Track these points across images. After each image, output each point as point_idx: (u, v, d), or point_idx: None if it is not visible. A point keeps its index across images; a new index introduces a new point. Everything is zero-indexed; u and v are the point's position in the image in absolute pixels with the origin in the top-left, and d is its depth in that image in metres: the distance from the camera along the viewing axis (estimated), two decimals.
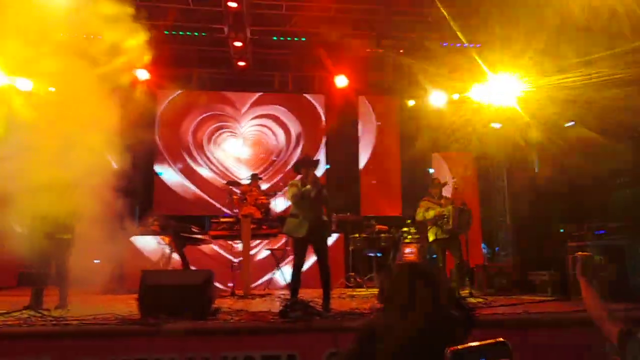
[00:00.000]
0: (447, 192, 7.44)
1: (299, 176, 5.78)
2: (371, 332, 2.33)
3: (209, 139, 12.01)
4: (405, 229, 9.42)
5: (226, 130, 12.10)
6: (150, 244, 8.34)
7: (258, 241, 8.85)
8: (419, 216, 7.16)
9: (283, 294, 7.27)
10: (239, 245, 8.14)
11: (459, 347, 1.68)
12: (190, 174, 11.77)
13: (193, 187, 11.70)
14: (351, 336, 4.25)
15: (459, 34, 9.47)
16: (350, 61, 10.89)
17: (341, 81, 11.05)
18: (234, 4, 9.00)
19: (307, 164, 5.75)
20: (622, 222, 6.79)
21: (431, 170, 12.38)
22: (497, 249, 12.64)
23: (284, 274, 8.27)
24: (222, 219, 8.24)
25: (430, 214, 6.96)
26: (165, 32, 9.64)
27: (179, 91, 11.77)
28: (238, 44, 10.10)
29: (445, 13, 8.70)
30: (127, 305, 5.96)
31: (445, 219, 6.80)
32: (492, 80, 11.63)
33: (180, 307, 4.68)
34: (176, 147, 11.80)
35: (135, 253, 8.35)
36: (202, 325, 4.54)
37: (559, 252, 7.34)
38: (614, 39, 6.74)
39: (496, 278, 7.48)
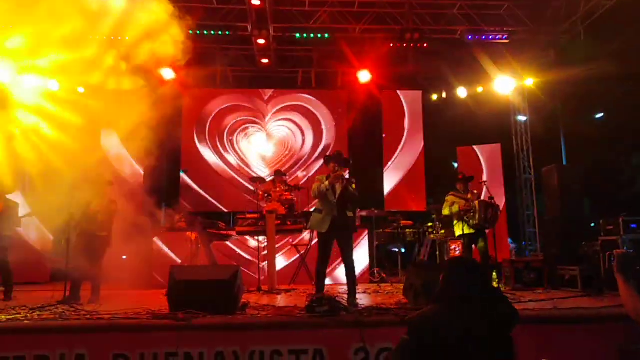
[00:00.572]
0: (474, 186, 7.31)
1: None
2: (426, 325, 2.36)
3: (234, 137, 12.13)
4: (430, 224, 9.34)
5: (250, 127, 12.20)
6: (177, 241, 8.47)
7: (283, 236, 8.90)
8: (445, 211, 7.10)
9: (308, 289, 7.30)
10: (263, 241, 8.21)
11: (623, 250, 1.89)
12: (215, 171, 11.91)
13: (218, 184, 11.84)
14: (379, 331, 4.31)
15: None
16: (373, 56, 10.85)
17: (364, 76, 11.01)
18: (257, 2, 9.06)
19: (336, 159, 5.76)
20: None
21: (455, 165, 12.25)
22: (523, 243, 12.45)
23: (308, 269, 8.30)
24: (247, 215, 8.32)
25: (456, 208, 6.90)
26: (190, 32, 9.74)
27: (204, 90, 11.92)
28: (261, 41, 10.15)
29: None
30: (157, 300, 6.09)
31: (472, 214, 6.72)
32: (516, 71, 11.48)
33: (208, 302, 4.74)
34: (202, 145, 11.95)
35: (163, 250, 8.50)
36: (230, 320, 4.59)
37: (591, 247, 7.18)
38: None
39: (524, 273, 7.34)
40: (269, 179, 9.88)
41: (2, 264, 6.88)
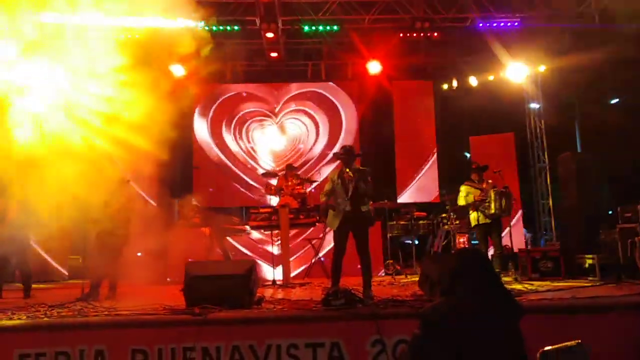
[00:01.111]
0: (489, 176, 7.22)
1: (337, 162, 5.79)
2: (438, 319, 2.34)
3: (245, 131, 12.14)
4: (444, 215, 9.27)
5: (260, 122, 12.21)
6: (192, 236, 8.52)
7: (297, 230, 8.91)
8: (460, 201, 7.05)
9: (323, 283, 7.31)
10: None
11: (547, 349, 1.88)
12: (226, 166, 11.95)
13: (231, 179, 11.88)
14: (395, 323, 4.29)
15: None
16: (383, 47, 10.76)
17: (374, 67, 10.93)
18: None
19: (345, 155, 5.74)
20: None
21: (467, 155, 12.15)
22: (536, 231, 12.34)
23: (322, 263, 8.31)
24: (260, 210, 8.34)
25: (471, 198, 6.84)
26: (199, 27, 9.73)
27: (214, 85, 11.93)
28: (270, 35, 10.11)
29: None
30: (173, 296, 6.13)
31: (487, 203, 6.66)
32: (529, 58, 11.29)
33: (224, 297, 4.76)
34: (213, 140, 11.99)
35: (178, 245, 8.55)
36: (246, 314, 4.61)
37: (609, 235, 7.07)
38: None
39: (541, 262, 7.26)
40: (280, 173, 9.87)
41: (21, 262, 6.98)
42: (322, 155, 12.09)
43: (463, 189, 7.03)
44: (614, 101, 19.30)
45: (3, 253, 6.67)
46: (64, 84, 6.50)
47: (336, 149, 10.51)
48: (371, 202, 8.59)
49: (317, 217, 8.32)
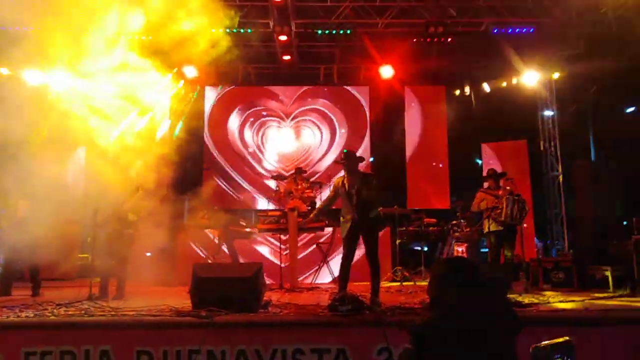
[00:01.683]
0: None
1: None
2: (428, 334, 2.31)
3: (256, 134, 12.15)
4: (454, 221, 9.17)
5: (271, 125, 12.21)
6: (200, 238, 8.52)
7: (305, 234, 8.87)
8: (475, 207, 6.96)
9: (330, 288, 7.26)
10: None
11: (540, 344, 1.92)
12: (237, 168, 11.96)
13: (240, 181, 11.89)
14: (402, 331, 4.21)
15: None
16: (396, 51, 10.70)
17: (387, 72, 10.88)
18: None
19: (346, 160, 5.67)
20: None
21: (479, 161, 12.03)
22: (548, 241, 12.16)
23: (330, 267, 8.25)
24: (269, 213, 8.31)
25: (484, 204, 6.75)
26: (212, 30, 9.76)
27: (226, 87, 11.97)
28: (283, 38, 10.10)
29: None
30: (179, 298, 6.12)
31: (499, 210, 6.56)
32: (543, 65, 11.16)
33: (231, 300, 4.73)
34: (224, 142, 12.01)
35: (186, 246, 8.56)
36: (253, 318, 4.58)
37: (623, 246, 6.92)
38: None
39: (553, 272, 7.13)
40: (289, 175, 9.85)
41: (30, 260, 7.01)
42: (331, 159, 12.04)
43: (479, 195, 6.94)
44: (629, 109, 19.05)
45: (12, 251, 6.72)
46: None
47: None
48: (381, 208, 8.55)
49: (326, 221, 8.27)
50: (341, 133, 12.16)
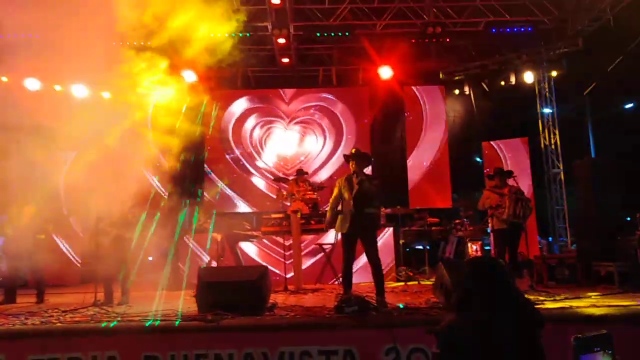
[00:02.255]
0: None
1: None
2: (457, 337, 2.27)
3: (255, 137, 12.16)
4: (457, 220, 9.17)
5: (271, 128, 12.22)
6: (203, 241, 8.51)
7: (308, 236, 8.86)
8: (480, 206, 6.96)
9: (335, 289, 7.25)
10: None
11: (581, 335, 1.98)
12: (238, 171, 11.96)
13: (243, 184, 11.89)
14: (409, 331, 4.21)
15: None
16: (395, 52, 10.71)
17: (386, 72, 10.88)
18: (277, 1, 9.02)
19: (355, 158, 5.66)
20: None
21: (479, 160, 12.04)
22: (550, 239, 12.17)
23: (334, 268, 8.24)
24: (271, 215, 8.31)
25: (488, 203, 6.75)
26: (211, 35, 9.78)
27: (226, 91, 11.98)
28: (282, 40, 10.11)
29: None
30: (185, 302, 6.11)
31: (502, 209, 6.55)
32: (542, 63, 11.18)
33: (237, 303, 4.73)
34: (225, 145, 12.02)
35: (190, 250, 8.54)
36: (259, 321, 4.58)
37: (627, 242, 6.93)
38: None
39: (557, 269, 7.13)
40: (291, 178, 9.85)
41: (34, 267, 7.00)
42: (332, 160, 12.05)
43: (485, 193, 6.93)
44: (628, 105, 19.10)
45: (16, 258, 6.72)
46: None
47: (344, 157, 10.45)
48: (383, 208, 8.54)
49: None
50: (341, 134, 12.16)
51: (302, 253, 8.21)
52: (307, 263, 8.63)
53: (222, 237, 7.83)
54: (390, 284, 7.80)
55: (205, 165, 11.90)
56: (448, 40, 10.09)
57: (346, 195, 5.51)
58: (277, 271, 8.23)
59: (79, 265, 9.79)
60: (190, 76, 10.29)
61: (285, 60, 11.12)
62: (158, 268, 8.34)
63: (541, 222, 11.59)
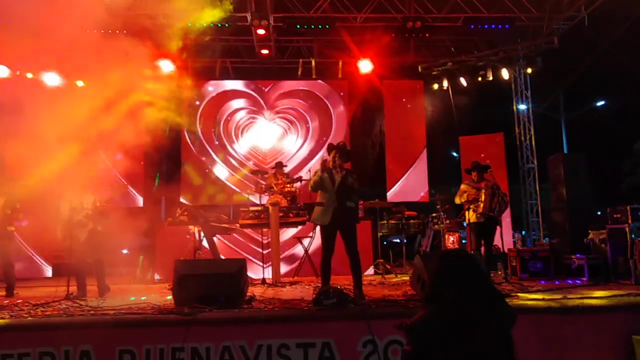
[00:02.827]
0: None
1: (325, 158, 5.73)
2: (427, 332, 2.25)
3: (234, 129, 12.03)
4: (434, 214, 9.28)
5: (249, 120, 12.11)
6: (180, 234, 8.41)
7: (285, 229, 8.84)
8: (457, 199, 7.05)
9: (312, 282, 7.26)
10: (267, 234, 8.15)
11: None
12: (216, 163, 11.83)
13: (219, 176, 11.77)
14: (387, 323, 4.25)
15: None
16: (374, 46, 10.72)
17: (365, 66, 10.88)
18: None
19: (337, 149, 5.65)
20: None
21: (455, 155, 12.20)
22: (523, 232, 12.44)
23: (312, 262, 8.25)
24: (250, 208, 8.25)
25: (465, 197, 6.84)
26: (189, 25, 9.61)
27: (203, 82, 11.81)
28: (261, 31, 10.00)
29: None
30: (161, 295, 6.04)
31: (479, 202, 6.65)
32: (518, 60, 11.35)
33: (214, 296, 4.68)
34: (202, 137, 11.86)
35: (166, 243, 8.43)
36: (237, 314, 4.54)
37: (597, 236, 7.12)
38: None
39: (530, 262, 7.29)
40: (270, 171, 9.80)
41: (4, 259, 6.80)
42: (311, 153, 12.03)
43: (462, 187, 7.03)
44: (600, 103, 19.64)
45: None
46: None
47: (325, 147, 10.38)
48: (361, 201, 8.57)
49: (308, 216, 8.26)
50: (320, 128, 12.13)
51: (280, 246, 8.18)
52: (285, 256, 8.62)
53: (198, 230, 7.75)
54: (367, 277, 7.85)
55: (181, 157, 11.72)
56: (427, 35, 10.13)
57: (329, 186, 5.50)
58: (255, 264, 8.19)
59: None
60: (167, 66, 10.12)
61: (265, 51, 10.99)
62: (133, 261, 8.23)
63: (515, 216, 11.83)
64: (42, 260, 9.70)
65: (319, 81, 12.15)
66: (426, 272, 5.11)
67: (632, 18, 10.20)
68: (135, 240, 7.96)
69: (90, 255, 6.14)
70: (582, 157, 8.21)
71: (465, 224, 7.17)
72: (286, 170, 10.50)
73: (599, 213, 7.85)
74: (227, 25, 10.21)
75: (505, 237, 7.36)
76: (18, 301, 5.66)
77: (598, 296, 5.17)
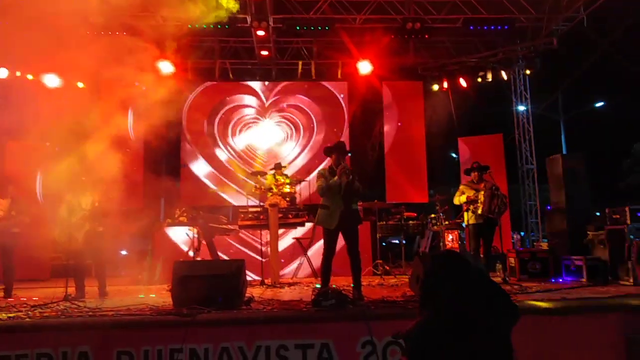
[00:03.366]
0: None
1: (326, 161, 5.71)
2: (426, 341, 2.20)
3: (233, 130, 12.03)
4: (433, 215, 9.27)
5: (249, 121, 12.11)
6: (179, 235, 8.40)
7: (284, 230, 8.84)
8: (455, 200, 7.04)
9: (312, 283, 7.25)
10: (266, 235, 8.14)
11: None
12: (216, 165, 11.83)
13: (219, 178, 11.76)
14: (386, 324, 4.24)
15: None
16: (374, 47, 10.72)
17: (365, 67, 10.88)
18: None
19: (338, 150, 5.65)
20: None
21: (454, 155, 12.20)
22: (522, 233, 12.45)
23: (311, 263, 8.24)
24: (249, 209, 8.25)
25: (464, 198, 6.83)
26: (189, 26, 9.61)
27: (203, 83, 11.81)
28: (261, 33, 10.00)
29: None
30: (160, 296, 6.03)
31: (478, 204, 6.65)
32: (517, 60, 11.35)
33: (213, 297, 4.67)
34: (201, 139, 11.86)
35: (165, 244, 8.43)
36: (235, 315, 4.53)
37: (596, 236, 7.12)
38: None
39: (529, 263, 7.29)
40: (269, 172, 9.79)
41: (6, 260, 6.78)
42: (310, 154, 12.02)
43: (460, 188, 7.02)
44: (599, 104, 19.65)
45: None
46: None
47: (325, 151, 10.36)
48: (360, 202, 8.57)
49: (307, 217, 8.26)
50: (319, 129, 12.13)
51: (279, 247, 8.17)
52: (284, 257, 8.61)
53: (198, 231, 7.74)
54: (367, 278, 7.85)
55: (180, 159, 11.72)
56: (427, 36, 10.13)
57: (335, 192, 5.47)
58: (254, 265, 8.18)
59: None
60: (167, 67, 10.12)
61: (265, 53, 11.00)
62: (132, 263, 8.22)
63: (514, 216, 11.83)
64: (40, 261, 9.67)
65: (319, 82, 12.15)
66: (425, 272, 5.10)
67: (630, 19, 10.22)
68: (135, 241, 7.96)
69: (91, 257, 6.12)
70: (581, 157, 8.20)
71: (464, 225, 7.16)
72: (285, 168, 10.49)
73: (597, 214, 7.85)
74: (226, 26, 10.21)
75: (504, 238, 7.38)
76: (17, 302, 5.65)
77: (597, 297, 5.16)
